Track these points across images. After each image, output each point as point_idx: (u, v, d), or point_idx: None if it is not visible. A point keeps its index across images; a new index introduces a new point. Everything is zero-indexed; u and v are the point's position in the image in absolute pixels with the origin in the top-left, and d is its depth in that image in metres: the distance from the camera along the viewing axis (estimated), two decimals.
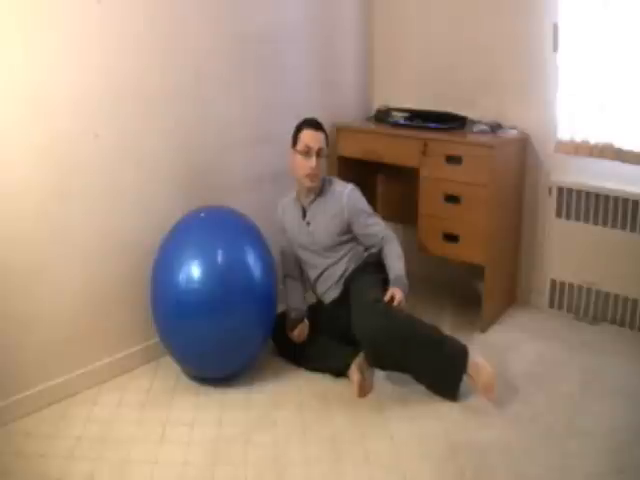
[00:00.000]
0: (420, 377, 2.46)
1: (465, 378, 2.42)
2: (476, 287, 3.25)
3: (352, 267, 2.71)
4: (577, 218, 2.96)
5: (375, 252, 2.73)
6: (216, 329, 2.39)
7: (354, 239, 2.75)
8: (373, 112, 3.49)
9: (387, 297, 2.47)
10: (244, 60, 2.93)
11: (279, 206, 2.87)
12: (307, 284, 2.86)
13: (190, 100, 2.74)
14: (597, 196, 2.88)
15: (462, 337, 2.69)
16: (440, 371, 2.42)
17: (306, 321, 2.70)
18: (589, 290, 3.01)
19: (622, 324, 2.95)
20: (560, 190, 2.99)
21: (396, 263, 2.63)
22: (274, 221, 2.85)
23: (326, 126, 2.78)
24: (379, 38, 3.56)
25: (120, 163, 2.54)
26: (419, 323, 2.46)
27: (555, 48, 2.86)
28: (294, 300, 2.77)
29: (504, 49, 3.06)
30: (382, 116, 3.34)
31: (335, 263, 2.72)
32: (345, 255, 2.72)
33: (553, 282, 3.12)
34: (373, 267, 2.68)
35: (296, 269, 2.83)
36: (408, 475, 2.06)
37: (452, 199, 2.93)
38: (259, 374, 2.65)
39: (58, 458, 2.14)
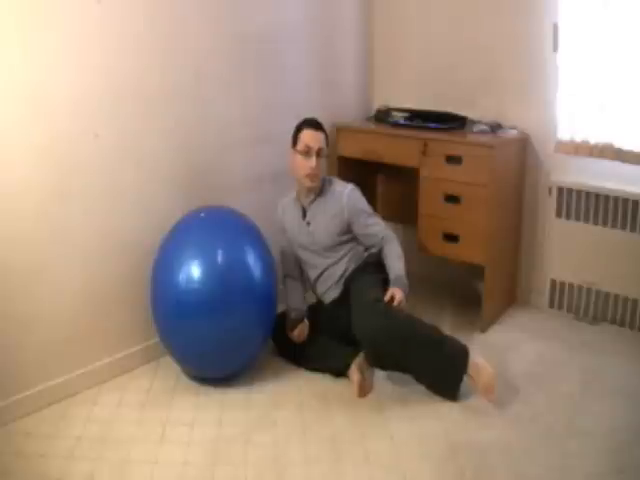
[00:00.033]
0: (420, 377, 2.46)
1: (465, 378, 2.42)
2: (476, 287, 3.25)
3: (352, 267, 2.71)
4: (577, 218, 2.96)
5: (375, 252, 2.73)
6: (216, 329, 2.39)
7: (354, 239, 2.75)
8: (373, 112, 3.49)
9: (387, 297, 2.47)
10: (244, 60, 2.93)
11: (279, 206, 2.87)
12: (307, 284, 2.86)
13: (190, 100, 2.74)
14: (597, 196, 2.88)
15: (462, 337, 2.69)
16: (440, 371, 2.42)
17: (306, 321, 2.70)
18: (589, 290, 3.01)
19: (622, 324, 2.95)
20: (560, 190, 2.99)
21: (396, 263, 2.63)
22: (274, 221, 2.85)
23: (326, 126, 2.78)
24: (379, 38, 3.56)
25: (120, 163, 2.54)
26: (419, 323, 2.46)
27: (555, 48, 2.86)
28: (294, 300, 2.77)
29: (504, 49, 3.06)
30: (382, 116, 3.34)
31: (335, 263, 2.72)
32: (345, 255, 2.72)
33: (553, 282, 3.12)
34: (373, 267, 2.68)
35: (296, 269, 2.83)
36: (408, 475, 2.06)
37: (452, 199, 2.93)
38: (259, 374, 2.65)
39: (58, 458, 2.14)
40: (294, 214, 2.79)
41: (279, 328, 2.68)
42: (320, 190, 2.73)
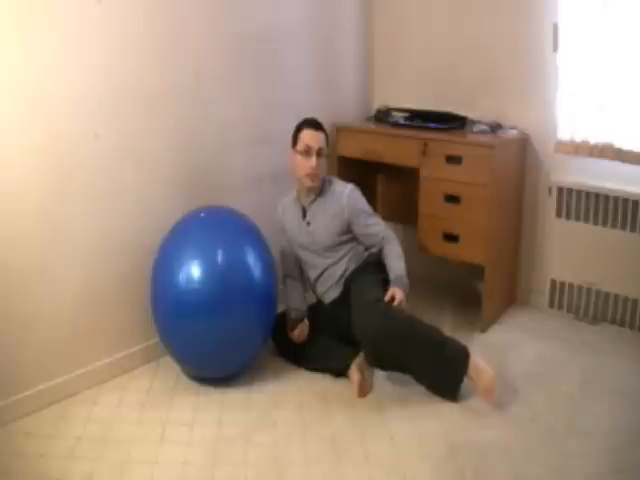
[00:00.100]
0: (420, 377, 2.46)
1: (465, 379, 2.41)
2: (476, 287, 3.25)
3: (352, 267, 2.71)
4: (577, 218, 2.96)
5: (375, 252, 2.73)
6: (216, 329, 2.39)
7: (354, 239, 2.75)
8: (373, 112, 3.49)
9: (387, 297, 2.47)
10: (244, 60, 2.93)
11: (279, 206, 2.87)
12: (307, 284, 2.86)
13: (190, 100, 2.74)
14: (597, 196, 2.88)
15: (462, 337, 2.69)
16: (440, 372, 2.42)
17: (306, 321, 2.70)
18: (589, 290, 3.01)
19: (622, 324, 2.95)
20: (560, 190, 2.99)
21: (396, 263, 2.63)
22: (274, 221, 2.85)
23: (326, 126, 2.78)
24: (379, 38, 3.56)
25: (120, 163, 2.54)
26: (419, 323, 2.46)
27: (555, 48, 2.86)
28: (294, 300, 2.77)
29: (504, 49, 3.06)
30: (382, 116, 3.34)
31: (335, 263, 2.72)
32: (345, 255, 2.72)
33: (553, 282, 3.12)
34: (373, 267, 2.68)
35: (296, 269, 2.83)
36: (408, 475, 2.06)
37: (452, 199, 2.93)
38: (259, 374, 2.65)
39: (58, 458, 2.14)
40: (294, 214, 2.79)
41: (279, 328, 2.68)
42: (320, 190, 2.73)
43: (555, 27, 2.84)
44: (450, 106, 3.17)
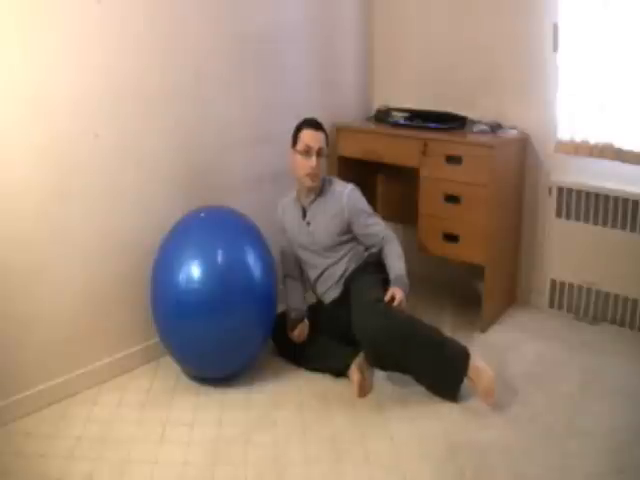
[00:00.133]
0: (420, 378, 2.46)
1: (465, 380, 2.41)
2: (476, 287, 3.25)
3: (352, 267, 2.71)
4: (577, 218, 2.96)
5: (375, 252, 2.73)
6: (216, 329, 2.39)
7: (354, 239, 2.75)
8: (373, 112, 3.49)
9: (387, 297, 2.47)
10: (244, 60, 2.93)
11: (279, 206, 2.87)
12: (307, 284, 2.86)
13: (190, 100, 2.74)
14: (597, 196, 2.88)
15: (462, 337, 2.70)
16: (440, 372, 2.41)
17: (306, 321, 2.70)
18: (589, 290, 3.01)
19: (622, 324, 2.95)
20: (560, 190, 2.99)
21: (396, 263, 2.63)
22: (274, 221, 2.85)
23: (326, 126, 2.78)
24: (379, 38, 3.56)
25: (120, 163, 2.54)
26: (419, 324, 2.46)
27: (555, 48, 2.86)
28: (294, 300, 2.76)
29: (504, 49, 3.06)
30: (382, 116, 3.34)
31: (335, 263, 2.72)
32: (345, 255, 2.72)
33: (553, 282, 3.12)
34: (373, 267, 2.68)
35: (296, 269, 2.83)
36: (408, 475, 2.06)
37: (452, 199, 2.93)
38: (259, 374, 2.65)
39: (58, 458, 2.14)
40: (294, 214, 2.79)
41: (279, 328, 2.68)
42: (320, 190, 2.73)
43: (555, 27, 2.84)
44: (450, 106, 3.17)
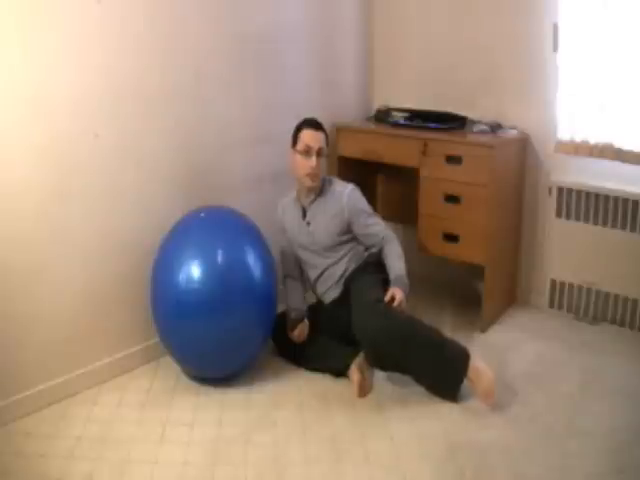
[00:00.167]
0: (420, 378, 2.46)
1: (465, 381, 2.41)
2: (476, 287, 3.25)
3: (352, 267, 2.71)
4: (577, 218, 2.96)
5: (375, 252, 2.73)
6: (216, 329, 2.39)
7: (354, 239, 2.74)
8: (373, 112, 3.49)
9: (387, 297, 2.47)
10: (244, 60, 2.93)
11: (279, 206, 2.87)
12: (307, 284, 2.86)
13: (190, 100, 2.74)
14: (597, 196, 2.88)
15: (462, 337, 2.70)
16: (440, 373, 2.41)
17: (306, 321, 2.70)
18: (589, 290, 3.01)
19: (622, 324, 2.95)
20: (560, 190, 2.99)
21: (396, 263, 2.63)
22: (274, 221, 2.85)
23: (326, 126, 2.78)
24: (379, 38, 3.56)
25: (120, 163, 2.54)
26: (419, 324, 2.46)
27: (555, 48, 2.86)
28: (294, 300, 2.76)
29: (504, 49, 3.06)
30: (382, 116, 3.34)
31: (335, 263, 2.72)
32: (345, 255, 2.72)
33: (553, 282, 3.12)
34: (373, 267, 2.68)
35: (296, 269, 2.83)
36: (408, 475, 2.06)
37: (452, 199, 2.93)
38: (259, 374, 2.65)
39: (58, 458, 2.14)
40: (294, 214, 2.79)
41: (279, 328, 2.68)
42: (320, 190, 2.73)
43: (555, 27, 2.84)
44: (450, 106, 3.17)
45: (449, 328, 2.94)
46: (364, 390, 2.51)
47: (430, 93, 3.34)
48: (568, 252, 3.02)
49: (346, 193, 2.69)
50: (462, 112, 3.13)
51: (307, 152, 2.64)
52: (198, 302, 2.36)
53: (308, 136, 2.66)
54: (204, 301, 2.36)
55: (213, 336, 2.39)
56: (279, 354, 2.77)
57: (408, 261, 2.69)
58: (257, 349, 2.60)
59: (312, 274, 2.78)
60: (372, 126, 3.35)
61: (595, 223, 2.91)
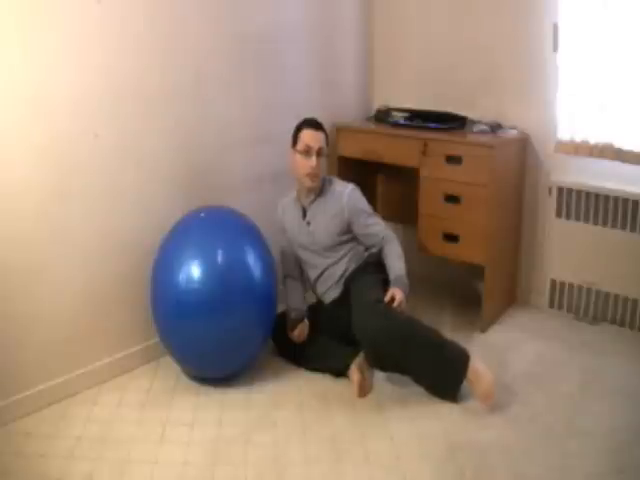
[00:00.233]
0: (420, 379, 2.46)
1: (465, 382, 2.41)
2: (476, 287, 3.25)
3: (352, 267, 2.71)
4: (577, 218, 2.96)
5: (375, 252, 2.73)
6: (216, 329, 2.39)
7: (354, 239, 2.74)
8: (373, 112, 3.49)
9: (387, 297, 2.47)
10: (244, 60, 2.93)
11: (279, 206, 2.87)
12: (307, 284, 2.86)
13: (190, 100, 2.74)
14: (597, 196, 2.88)
15: (462, 337, 2.70)
16: (440, 374, 2.41)
17: (306, 321, 2.70)
18: (589, 290, 3.01)
19: (622, 324, 2.95)
20: (560, 190, 2.99)
21: (396, 263, 2.63)
22: (274, 221, 2.85)
23: (326, 126, 2.78)
24: (379, 38, 3.56)
25: (120, 163, 2.54)
26: (419, 325, 2.46)
27: (555, 48, 2.86)
28: (294, 300, 2.76)
29: (504, 49, 3.06)
30: (382, 116, 3.34)
31: (335, 263, 2.72)
32: (345, 255, 2.72)
33: (553, 282, 3.12)
34: (373, 267, 2.68)
35: (296, 269, 2.83)
36: (408, 475, 2.06)
37: (452, 199, 2.93)
38: (259, 374, 2.65)
39: (58, 458, 2.14)
40: (294, 214, 2.79)
41: (279, 328, 2.68)
42: (320, 190, 2.73)
43: (555, 27, 2.84)
44: (450, 106, 3.17)
45: (449, 328, 2.94)
46: (364, 390, 2.51)
47: (430, 93, 3.34)
48: (568, 252, 3.02)
49: (346, 193, 2.69)
50: (462, 112, 3.13)
51: (307, 152, 2.65)
52: (198, 302, 2.36)
53: (308, 136, 2.66)
54: (204, 301, 2.36)
55: (213, 336, 2.39)
56: (279, 354, 2.77)
57: (408, 261, 2.69)
58: (257, 349, 2.60)
59: (312, 274, 2.78)
60: (372, 126, 3.35)
61: (595, 223, 2.91)
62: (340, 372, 2.60)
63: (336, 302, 2.73)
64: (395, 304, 2.45)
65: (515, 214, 3.15)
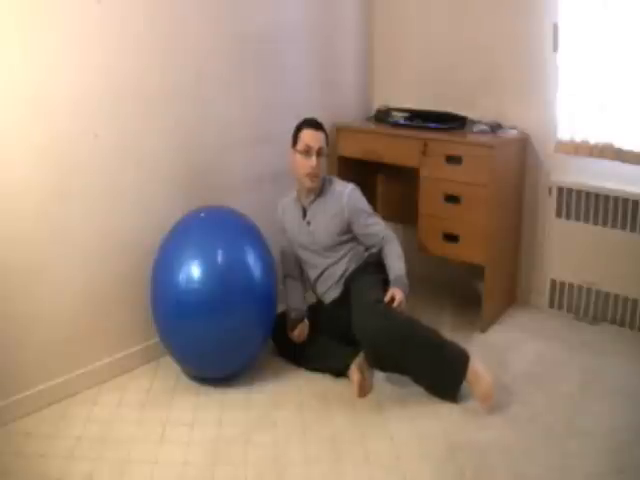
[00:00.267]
0: (419, 379, 2.46)
1: (464, 382, 2.41)
2: (476, 287, 3.25)
3: (352, 267, 2.71)
4: (577, 218, 2.96)
5: (375, 252, 2.73)
6: (216, 329, 2.39)
7: (354, 239, 2.74)
8: (373, 112, 3.49)
9: (387, 298, 2.47)
10: (244, 60, 2.93)
11: (279, 206, 2.87)
12: (307, 284, 2.86)
13: (190, 100, 2.74)
14: (597, 196, 2.88)
15: (462, 337, 2.70)
16: (439, 374, 2.41)
17: (306, 321, 2.70)
18: (589, 290, 3.01)
19: (622, 324, 2.95)
20: (560, 190, 2.99)
21: (396, 263, 2.63)
22: (274, 221, 2.85)
23: (326, 126, 2.78)
24: (379, 38, 3.56)
25: (120, 163, 2.54)
26: (419, 325, 2.46)
27: (555, 48, 2.86)
28: (294, 300, 2.76)
29: (504, 49, 3.06)
30: (382, 116, 3.34)
31: (335, 263, 2.72)
32: (345, 255, 2.72)
33: (553, 282, 3.12)
34: (373, 267, 2.68)
35: (296, 269, 2.83)
36: (408, 475, 2.06)
37: (452, 199, 2.93)
38: (259, 374, 2.65)
39: (58, 458, 2.14)
40: (294, 214, 2.79)
41: (279, 328, 2.68)
42: (320, 190, 2.73)
43: (555, 27, 2.84)
44: (450, 106, 3.17)
45: (449, 328, 2.94)
46: (364, 390, 2.51)
47: (430, 93, 3.34)
48: (568, 252, 3.02)
49: (346, 193, 2.69)
50: (462, 112, 3.13)
51: (307, 152, 2.65)
52: (198, 302, 2.36)
53: (308, 136, 2.66)
54: (204, 301, 2.36)
55: (213, 336, 2.39)
56: (279, 354, 2.77)
57: (408, 261, 2.69)
58: (257, 349, 2.60)
59: (312, 274, 2.78)
60: (372, 126, 3.35)
61: (595, 223, 2.91)
62: (340, 372, 2.60)
63: (336, 302, 2.73)
64: (395, 304, 2.45)
65: (515, 214, 3.15)
